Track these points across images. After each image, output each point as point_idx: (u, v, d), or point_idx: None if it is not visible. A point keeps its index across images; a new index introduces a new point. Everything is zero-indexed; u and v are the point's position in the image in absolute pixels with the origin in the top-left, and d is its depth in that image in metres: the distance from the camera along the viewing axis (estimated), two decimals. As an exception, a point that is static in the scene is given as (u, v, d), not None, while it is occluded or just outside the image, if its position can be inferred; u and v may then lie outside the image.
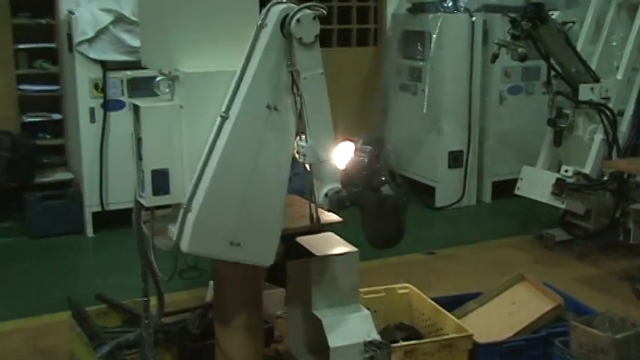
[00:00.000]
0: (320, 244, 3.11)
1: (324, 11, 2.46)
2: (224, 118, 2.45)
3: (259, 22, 2.44)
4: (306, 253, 3.11)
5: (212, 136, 2.47)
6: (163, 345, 3.13)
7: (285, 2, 2.47)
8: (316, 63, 2.47)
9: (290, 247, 3.79)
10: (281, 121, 2.50)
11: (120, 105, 5.61)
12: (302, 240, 3.14)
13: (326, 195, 2.57)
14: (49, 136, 6.05)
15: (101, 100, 5.55)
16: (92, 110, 5.56)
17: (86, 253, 5.43)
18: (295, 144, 2.50)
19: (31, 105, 5.94)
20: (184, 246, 2.49)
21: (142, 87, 5.25)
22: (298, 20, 2.39)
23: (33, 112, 5.94)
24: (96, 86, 5.53)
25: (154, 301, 2.92)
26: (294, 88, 2.44)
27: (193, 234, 2.47)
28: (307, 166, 2.53)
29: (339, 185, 2.61)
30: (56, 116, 6.03)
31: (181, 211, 2.49)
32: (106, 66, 5.50)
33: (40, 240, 5.48)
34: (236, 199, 2.49)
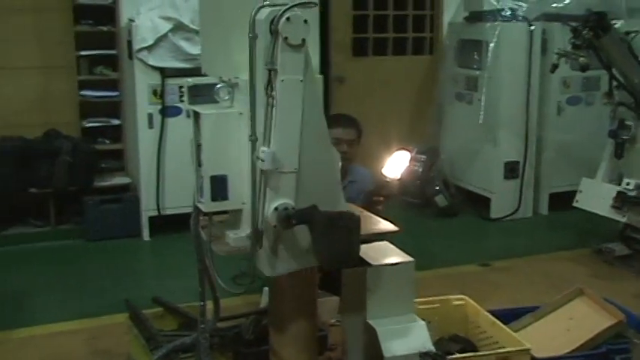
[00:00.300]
0: (376, 253, 3.10)
1: (316, 3, 2.35)
2: (253, 142, 2.39)
3: (249, 33, 2.32)
4: (360, 262, 3.10)
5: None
6: (218, 350, 3.15)
7: (270, 5, 2.34)
8: (298, 68, 2.32)
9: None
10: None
11: (177, 111, 5.70)
12: (357, 248, 3.13)
13: (276, 209, 2.39)
14: (108, 141, 6.17)
15: (159, 106, 5.65)
16: (150, 116, 5.66)
17: (142, 256, 5.52)
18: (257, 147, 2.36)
19: (92, 110, 6.07)
20: (267, 272, 2.57)
21: (203, 94, 5.34)
22: (288, 19, 2.28)
23: (93, 118, 6.07)
24: (154, 92, 5.63)
25: (209, 305, 2.94)
26: (269, 88, 2.32)
27: (270, 260, 2.54)
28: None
29: (291, 202, 2.40)
30: (115, 122, 6.15)
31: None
32: (165, 73, 5.60)
33: (98, 243, 5.59)
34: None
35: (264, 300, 3.97)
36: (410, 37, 7.19)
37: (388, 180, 3.69)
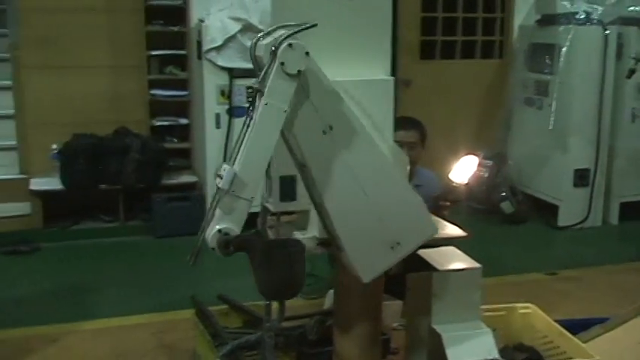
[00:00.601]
0: (442, 258, 3.07)
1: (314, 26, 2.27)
2: (302, 166, 2.37)
3: (256, 85, 2.27)
4: (426, 266, 3.08)
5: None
6: (282, 349, 3.16)
7: (268, 36, 2.33)
8: (285, 96, 2.24)
9: (408, 259, 3.76)
10: (347, 134, 2.39)
11: (244, 112, 5.71)
12: (424, 253, 3.10)
13: (219, 231, 2.26)
14: (175, 140, 6.28)
15: (227, 107, 5.72)
16: (218, 116, 5.74)
17: (208, 254, 5.56)
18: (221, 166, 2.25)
19: (161, 109, 6.18)
20: (364, 278, 2.57)
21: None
22: (290, 45, 2.21)
23: (162, 117, 6.18)
24: (222, 93, 5.71)
25: (274, 304, 2.95)
26: (251, 107, 2.29)
27: (360, 266, 2.54)
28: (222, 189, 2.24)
29: (235, 229, 2.28)
30: (183, 121, 6.25)
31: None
32: (233, 73, 5.66)
33: (165, 240, 5.68)
34: (371, 219, 2.49)
35: (327, 302, 3.98)
36: (479, 40, 7.09)
37: (455, 185, 3.65)
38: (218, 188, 2.22)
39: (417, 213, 2.57)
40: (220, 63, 5.63)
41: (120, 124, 5.97)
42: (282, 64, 2.21)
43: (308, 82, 2.31)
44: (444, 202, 3.73)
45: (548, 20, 6.30)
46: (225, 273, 4.96)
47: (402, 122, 4.27)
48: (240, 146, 2.26)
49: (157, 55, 6.13)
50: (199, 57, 5.71)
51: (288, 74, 2.22)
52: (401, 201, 2.53)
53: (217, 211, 2.26)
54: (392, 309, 3.69)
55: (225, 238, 2.26)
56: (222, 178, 2.20)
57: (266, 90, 2.23)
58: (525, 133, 6.63)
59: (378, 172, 2.48)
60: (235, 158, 2.25)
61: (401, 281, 3.49)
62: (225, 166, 2.21)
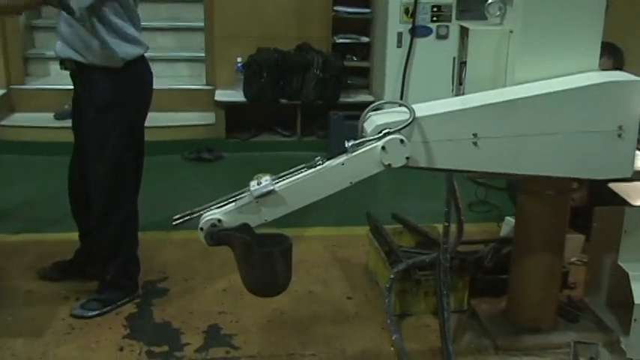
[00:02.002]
0: (636, 193, 2.90)
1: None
2: None
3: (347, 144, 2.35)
4: (620, 201, 2.92)
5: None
6: (457, 272, 3.14)
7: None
8: (360, 174, 2.36)
9: (594, 192, 3.59)
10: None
11: (427, 31, 5.65)
12: (616, 187, 2.95)
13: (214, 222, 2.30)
14: (355, 59, 6.26)
15: (409, 26, 5.62)
16: (400, 35, 5.66)
17: (382, 175, 5.59)
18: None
19: (343, 27, 6.16)
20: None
21: (472, 9, 5.18)
22: (383, 148, 2.27)
23: (344, 34, 6.17)
24: (406, 11, 5.60)
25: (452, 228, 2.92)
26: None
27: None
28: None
29: (227, 221, 2.31)
30: (364, 39, 6.20)
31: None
32: (419, -9, 5.54)
33: (340, 157, 5.73)
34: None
35: (504, 229, 3.90)
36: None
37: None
38: (249, 190, 2.30)
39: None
40: (407, -20, 5.52)
41: (303, 40, 6.02)
42: (384, 149, 2.29)
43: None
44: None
45: None
46: (399, 193, 4.99)
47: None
48: (294, 172, 2.35)
49: (343, -28, 6.08)
50: (385, -26, 5.62)
51: (381, 162, 2.31)
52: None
53: (232, 205, 2.33)
54: (572, 243, 3.56)
55: (211, 230, 2.30)
56: (259, 185, 2.28)
57: (352, 156, 2.32)
58: None
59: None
60: (283, 176, 2.34)
61: (585, 215, 3.35)
62: (267, 177, 2.29)
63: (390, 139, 2.29)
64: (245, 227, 2.29)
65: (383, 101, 2.50)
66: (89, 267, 3.42)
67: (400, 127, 2.31)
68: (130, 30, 3.08)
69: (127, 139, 3.15)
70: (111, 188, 3.19)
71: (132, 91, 3.14)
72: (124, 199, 3.26)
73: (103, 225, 3.23)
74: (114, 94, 3.06)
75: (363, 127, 2.43)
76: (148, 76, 3.25)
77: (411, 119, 2.31)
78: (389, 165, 2.32)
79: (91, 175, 3.19)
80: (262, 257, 2.25)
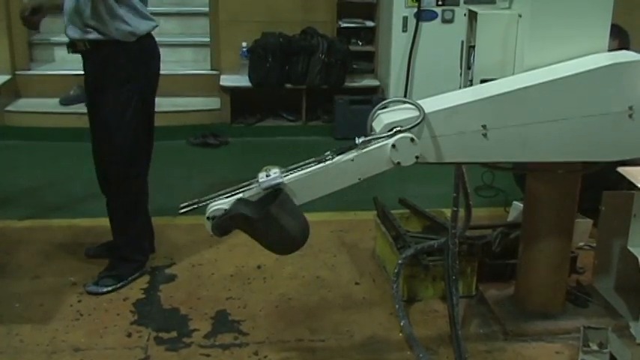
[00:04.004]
0: (646, 177, 2.87)
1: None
2: None
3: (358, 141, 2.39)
4: (628, 185, 2.90)
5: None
6: (465, 257, 3.13)
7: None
8: (370, 170, 2.40)
9: (601, 177, 3.56)
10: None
11: (432, 15, 5.62)
12: (625, 171, 2.93)
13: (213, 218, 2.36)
14: (360, 43, 6.23)
15: (415, 10, 5.59)
16: (405, 19, 5.64)
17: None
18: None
19: (348, 11, 6.13)
20: None
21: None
22: (412, 140, 2.29)
23: (349, 19, 6.14)
24: (412, -5, 5.58)
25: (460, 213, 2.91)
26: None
27: None
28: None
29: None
30: (369, 23, 6.17)
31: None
32: (424, -25, 5.51)
33: (344, 142, 5.68)
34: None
35: (512, 214, 3.88)
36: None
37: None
38: (257, 182, 2.32)
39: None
40: (412, -37, 5.49)
41: (307, 25, 6.00)
42: (399, 163, 2.31)
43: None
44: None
45: None
46: (406, 178, 4.97)
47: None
48: (303, 166, 2.36)
49: (348, -44, 6.04)
50: (390, -43, 5.58)
51: (391, 160, 2.32)
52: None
53: (239, 196, 2.36)
54: (581, 227, 3.54)
55: (214, 223, 2.35)
56: (267, 177, 2.30)
57: (361, 152, 2.35)
58: None
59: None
60: (292, 169, 2.34)
61: (593, 198, 3.33)
62: (276, 170, 2.31)
63: (401, 138, 2.30)
64: (239, 204, 2.32)
65: (391, 99, 2.50)
66: None
67: (411, 125, 2.31)
68: (141, 5, 3.18)
69: (142, 109, 3.26)
70: (130, 156, 3.27)
71: (145, 63, 3.25)
72: (140, 169, 3.36)
73: (120, 193, 3.32)
74: (130, 67, 3.16)
75: (371, 125, 2.43)
76: (157, 49, 3.35)
77: (421, 118, 2.32)
78: (398, 163, 2.33)
79: (108, 147, 3.25)
80: (264, 221, 2.28)
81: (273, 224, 2.28)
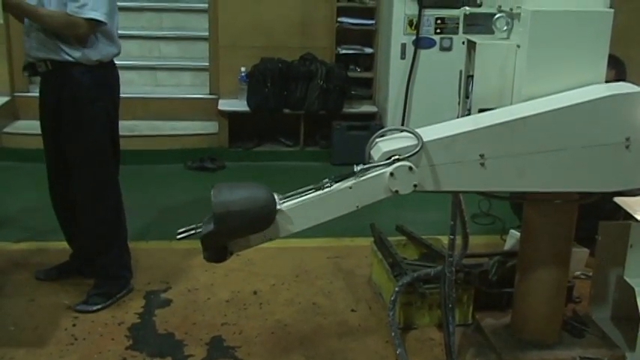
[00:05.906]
0: (641, 208, 2.89)
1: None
2: None
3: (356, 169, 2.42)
4: (624, 215, 2.91)
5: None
6: (462, 285, 3.13)
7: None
8: (367, 199, 2.41)
9: (598, 205, 3.57)
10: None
11: (430, 43, 5.65)
12: (621, 200, 2.94)
13: None
14: (359, 69, 6.26)
15: (413, 37, 5.63)
16: (403, 46, 5.67)
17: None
18: None
19: (347, 37, 6.17)
20: None
21: (479, 24, 5.19)
22: (391, 174, 2.31)
23: (347, 45, 6.17)
24: (410, 23, 5.61)
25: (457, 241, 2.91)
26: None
27: None
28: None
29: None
30: (368, 50, 6.20)
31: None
32: (422, 3, 5.54)
33: (342, 167, 5.69)
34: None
35: (508, 242, 3.88)
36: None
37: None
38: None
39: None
40: (410, -8, 5.53)
41: (306, 51, 6.03)
42: (397, 191, 2.33)
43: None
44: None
45: None
46: (403, 204, 4.96)
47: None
48: (301, 193, 2.40)
49: (346, -17, 6.09)
50: (389, -15, 5.63)
51: (389, 188, 2.34)
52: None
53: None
54: (577, 257, 3.54)
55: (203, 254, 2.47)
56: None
57: (360, 180, 2.36)
58: None
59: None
60: (290, 196, 2.38)
61: (589, 228, 3.33)
62: (275, 195, 2.36)
63: (399, 166, 2.32)
64: (205, 225, 2.37)
65: (389, 128, 2.53)
66: (86, 267, 3.50)
67: (409, 154, 2.33)
68: (113, 29, 3.22)
69: (108, 130, 3.28)
70: (97, 179, 3.30)
71: (109, 85, 3.29)
72: (111, 189, 3.37)
73: (94, 217, 3.33)
74: (94, 88, 3.19)
75: (370, 153, 2.44)
76: (116, 70, 3.37)
77: (419, 147, 2.33)
78: (396, 191, 2.34)
79: (75, 172, 3.28)
80: (222, 223, 2.30)
81: (231, 217, 2.30)
